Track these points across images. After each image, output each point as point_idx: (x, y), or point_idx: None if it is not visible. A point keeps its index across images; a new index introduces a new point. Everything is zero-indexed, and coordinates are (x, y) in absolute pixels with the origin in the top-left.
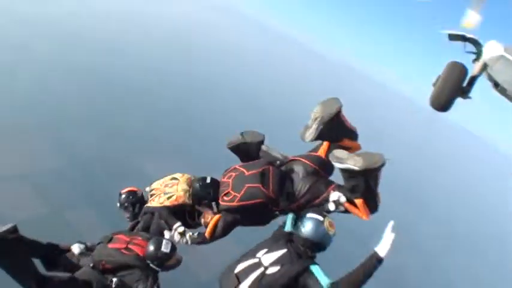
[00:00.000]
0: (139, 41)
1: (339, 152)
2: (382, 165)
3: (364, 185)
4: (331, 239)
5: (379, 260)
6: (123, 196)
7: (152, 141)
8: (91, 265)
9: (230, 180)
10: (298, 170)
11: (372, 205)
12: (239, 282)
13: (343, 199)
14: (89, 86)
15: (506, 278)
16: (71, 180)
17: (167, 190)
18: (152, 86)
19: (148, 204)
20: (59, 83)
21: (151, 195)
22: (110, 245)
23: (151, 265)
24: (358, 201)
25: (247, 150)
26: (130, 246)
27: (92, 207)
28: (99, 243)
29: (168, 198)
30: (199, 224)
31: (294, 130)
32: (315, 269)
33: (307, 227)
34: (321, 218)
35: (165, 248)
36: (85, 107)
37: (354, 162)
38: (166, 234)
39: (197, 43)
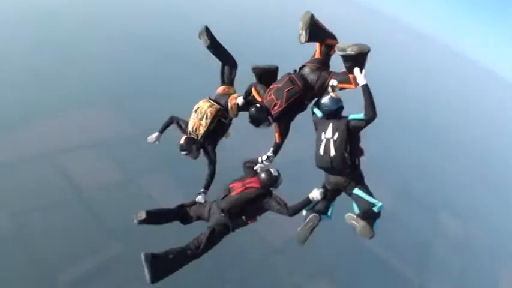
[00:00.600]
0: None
1: (341, 44)
2: (369, 50)
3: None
4: (340, 100)
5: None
6: (183, 143)
7: None
8: (222, 214)
9: (272, 96)
10: (307, 70)
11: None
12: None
13: (335, 83)
14: (155, 56)
15: None
16: (145, 148)
17: (200, 117)
18: None
19: (198, 136)
20: (127, 55)
21: (195, 132)
22: (233, 193)
23: (270, 188)
24: (351, 76)
25: (269, 73)
26: (247, 185)
27: (166, 173)
28: (223, 197)
29: (206, 118)
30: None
31: None
32: None
33: (324, 100)
34: (329, 94)
35: (274, 172)
36: (152, 77)
37: (351, 49)
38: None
39: None
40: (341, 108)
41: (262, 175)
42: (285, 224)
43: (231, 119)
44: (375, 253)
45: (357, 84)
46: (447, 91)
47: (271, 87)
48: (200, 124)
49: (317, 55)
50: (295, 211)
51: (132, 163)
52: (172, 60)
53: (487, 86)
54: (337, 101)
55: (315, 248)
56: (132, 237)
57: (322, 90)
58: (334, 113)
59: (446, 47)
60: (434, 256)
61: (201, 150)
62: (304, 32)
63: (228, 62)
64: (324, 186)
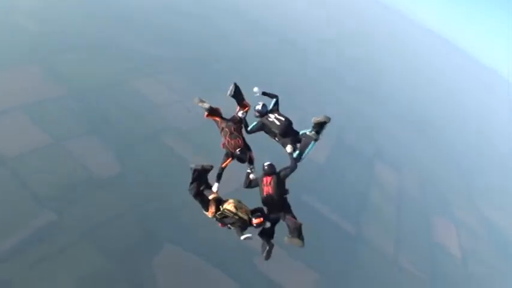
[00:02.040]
0: None
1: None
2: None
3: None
4: None
5: None
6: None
7: (149, 63)
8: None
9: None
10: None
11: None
12: None
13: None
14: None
15: None
16: (70, 109)
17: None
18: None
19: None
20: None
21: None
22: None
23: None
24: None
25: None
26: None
27: (94, 135)
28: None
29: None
30: None
31: None
32: None
33: None
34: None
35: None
36: (79, 33)
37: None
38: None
39: None
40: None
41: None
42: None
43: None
44: (312, 207)
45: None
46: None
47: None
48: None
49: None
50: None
51: (58, 126)
52: (102, 16)
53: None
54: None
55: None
56: (65, 203)
57: None
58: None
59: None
60: (370, 206)
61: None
62: (231, 91)
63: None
64: None
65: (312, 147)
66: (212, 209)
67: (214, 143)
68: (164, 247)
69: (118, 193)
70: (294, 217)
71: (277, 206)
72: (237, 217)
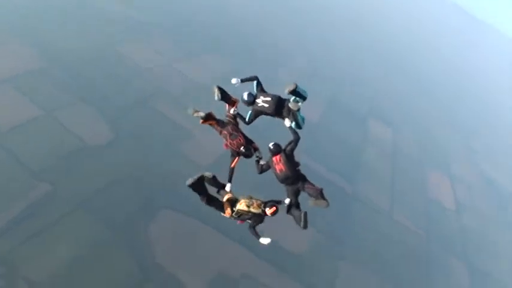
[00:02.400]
0: None
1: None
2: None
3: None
4: None
5: None
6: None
7: (133, 26)
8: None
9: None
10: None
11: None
12: None
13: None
14: None
15: None
16: (57, 80)
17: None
18: None
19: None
20: None
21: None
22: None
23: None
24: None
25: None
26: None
27: (84, 104)
28: None
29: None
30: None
31: None
32: None
33: None
34: None
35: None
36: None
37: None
38: None
39: None
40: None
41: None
42: (209, 147)
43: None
44: (306, 166)
45: None
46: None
47: None
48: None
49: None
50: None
51: (47, 97)
52: None
53: None
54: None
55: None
56: (59, 173)
57: None
58: None
59: None
60: (365, 164)
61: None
62: (216, 95)
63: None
64: None
65: (300, 115)
66: (228, 210)
67: (206, 107)
68: (161, 213)
69: (112, 160)
70: (312, 184)
71: (293, 179)
72: (251, 214)
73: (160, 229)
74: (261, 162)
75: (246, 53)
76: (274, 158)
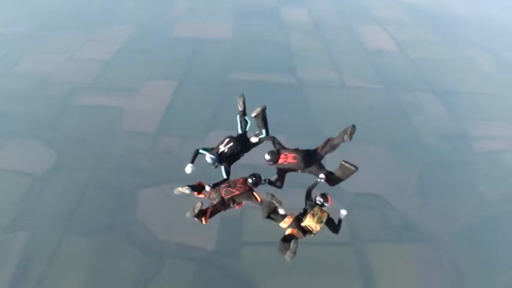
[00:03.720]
0: None
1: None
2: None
3: None
4: None
5: None
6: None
7: None
8: None
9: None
10: None
11: None
12: None
13: None
14: None
15: None
16: None
17: None
18: None
19: None
20: None
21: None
22: None
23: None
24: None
25: None
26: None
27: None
28: None
29: None
30: None
31: None
32: None
33: None
34: None
35: None
36: None
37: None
38: None
39: None
40: None
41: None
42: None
43: None
44: (242, 80)
45: None
46: None
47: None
48: None
49: None
50: None
51: None
52: None
53: None
54: None
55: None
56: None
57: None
58: None
59: None
60: (297, 52)
61: None
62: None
63: None
64: None
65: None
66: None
67: None
68: (139, 194)
69: (65, 178)
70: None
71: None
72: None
73: (148, 209)
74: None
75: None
76: (281, 160)
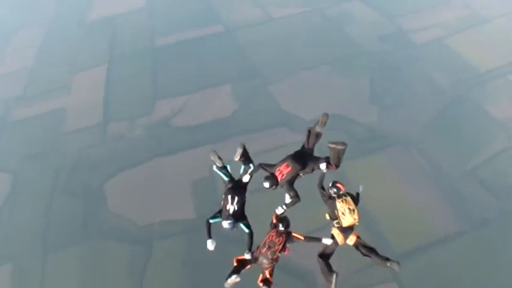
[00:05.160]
0: None
1: None
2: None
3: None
4: None
5: None
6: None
7: None
8: None
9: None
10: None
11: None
12: None
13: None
14: None
15: None
16: None
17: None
18: None
19: None
20: None
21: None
22: None
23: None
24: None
25: None
26: None
27: None
28: None
29: None
30: None
31: None
32: None
33: None
34: None
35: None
36: None
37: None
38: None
39: None
40: None
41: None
42: None
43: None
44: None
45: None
46: None
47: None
48: None
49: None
50: None
51: None
52: None
53: None
54: None
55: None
56: None
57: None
58: None
59: None
60: None
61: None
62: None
63: None
64: None
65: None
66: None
67: None
68: (106, 188)
69: (28, 197)
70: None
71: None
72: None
73: (119, 199)
74: (282, 210)
75: None
76: (278, 175)
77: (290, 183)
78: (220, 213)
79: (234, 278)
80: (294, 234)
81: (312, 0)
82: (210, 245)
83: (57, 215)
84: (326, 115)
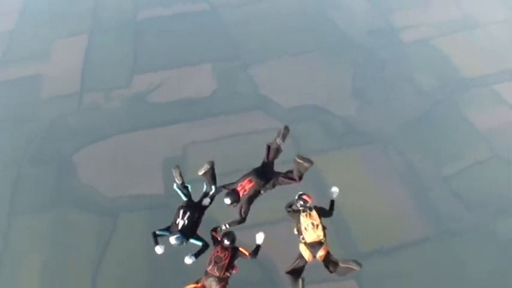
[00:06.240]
0: None
1: None
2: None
3: None
4: None
5: None
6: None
7: None
8: None
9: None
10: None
11: None
12: None
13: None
14: None
15: None
16: None
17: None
18: None
19: None
20: None
21: None
22: None
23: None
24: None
25: None
26: None
27: None
28: None
29: None
30: None
31: None
32: None
33: None
34: None
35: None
36: None
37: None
38: None
39: None
40: None
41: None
42: None
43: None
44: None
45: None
46: None
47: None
48: None
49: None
50: None
51: None
52: None
53: None
54: None
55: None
56: None
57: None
58: None
59: None
60: None
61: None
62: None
63: None
64: None
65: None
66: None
67: None
68: (76, 157)
69: None
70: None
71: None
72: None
73: (89, 170)
74: (224, 228)
75: None
76: (239, 187)
77: (250, 200)
78: (169, 228)
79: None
80: (240, 249)
81: None
82: (159, 249)
83: (27, 181)
84: (287, 128)
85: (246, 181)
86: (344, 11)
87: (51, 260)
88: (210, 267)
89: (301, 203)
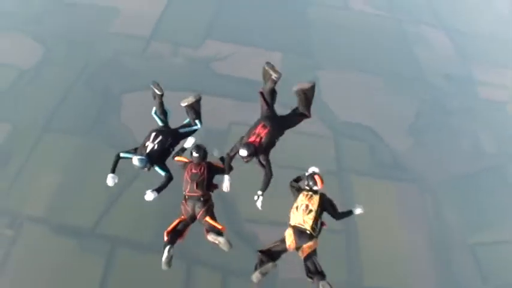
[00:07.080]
0: None
1: None
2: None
3: None
4: None
5: None
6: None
7: None
8: None
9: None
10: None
11: None
12: None
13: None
14: None
15: None
16: None
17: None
18: None
19: None
20: None
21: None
22: None
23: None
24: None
25: None
26: None
27: None
28: None
29: None
30: None
31: None
32: None
33: None
34: None
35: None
36: None
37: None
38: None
39: None
40: None
41: None
42: None
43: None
44: None
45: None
46: None
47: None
48: None
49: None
50: None
51: None
52: None
53: None
54: None
55: None
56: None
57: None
58: None
59: None
60: None
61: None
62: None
63: None
64: None
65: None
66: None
67: None
68: (125, 98)
69: (51, 75)
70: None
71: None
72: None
73: (132, 113)
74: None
75: None
76: (253, 137)
77: (268, 152)
78: (136, 150)
79: (166, 252)
80: (212, 162)
81: (396, 8)
82: (110, 180)
83: (72, 102)
84: (267, 63)
85: (259, 127)
86: (428, 48)
87: (67, 184)
88: (188, 188)
89: (310, 183)
